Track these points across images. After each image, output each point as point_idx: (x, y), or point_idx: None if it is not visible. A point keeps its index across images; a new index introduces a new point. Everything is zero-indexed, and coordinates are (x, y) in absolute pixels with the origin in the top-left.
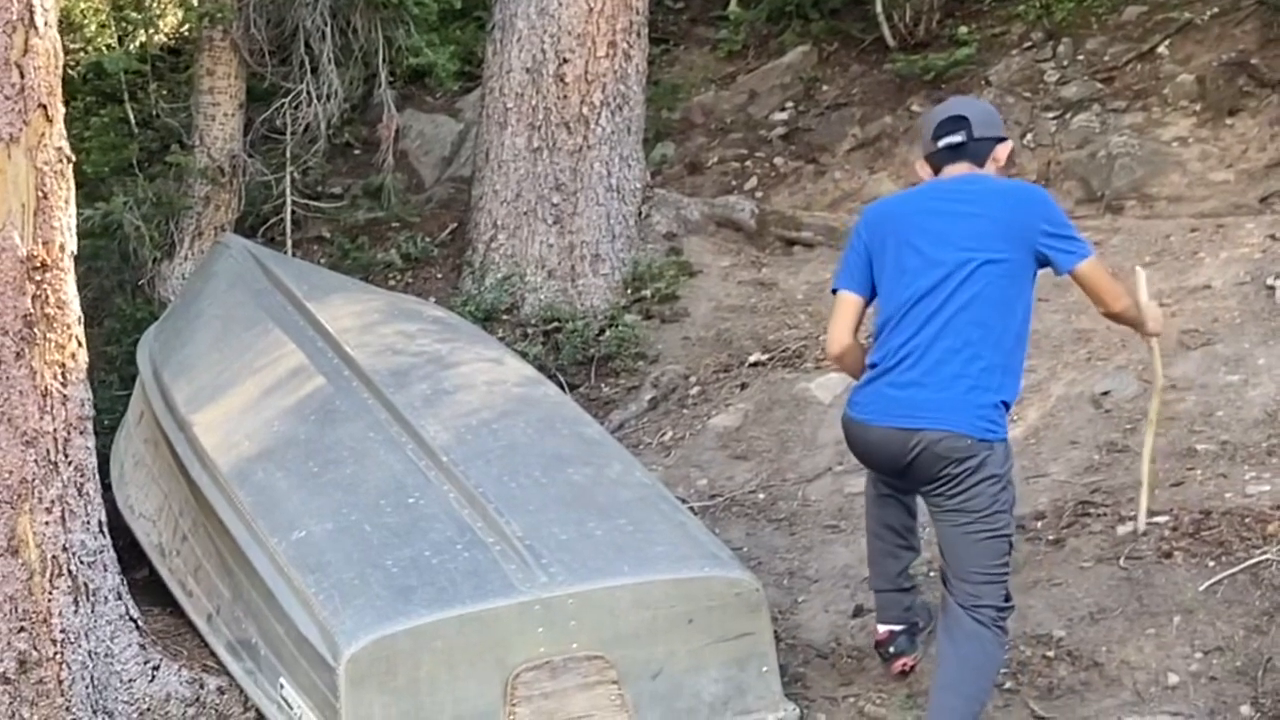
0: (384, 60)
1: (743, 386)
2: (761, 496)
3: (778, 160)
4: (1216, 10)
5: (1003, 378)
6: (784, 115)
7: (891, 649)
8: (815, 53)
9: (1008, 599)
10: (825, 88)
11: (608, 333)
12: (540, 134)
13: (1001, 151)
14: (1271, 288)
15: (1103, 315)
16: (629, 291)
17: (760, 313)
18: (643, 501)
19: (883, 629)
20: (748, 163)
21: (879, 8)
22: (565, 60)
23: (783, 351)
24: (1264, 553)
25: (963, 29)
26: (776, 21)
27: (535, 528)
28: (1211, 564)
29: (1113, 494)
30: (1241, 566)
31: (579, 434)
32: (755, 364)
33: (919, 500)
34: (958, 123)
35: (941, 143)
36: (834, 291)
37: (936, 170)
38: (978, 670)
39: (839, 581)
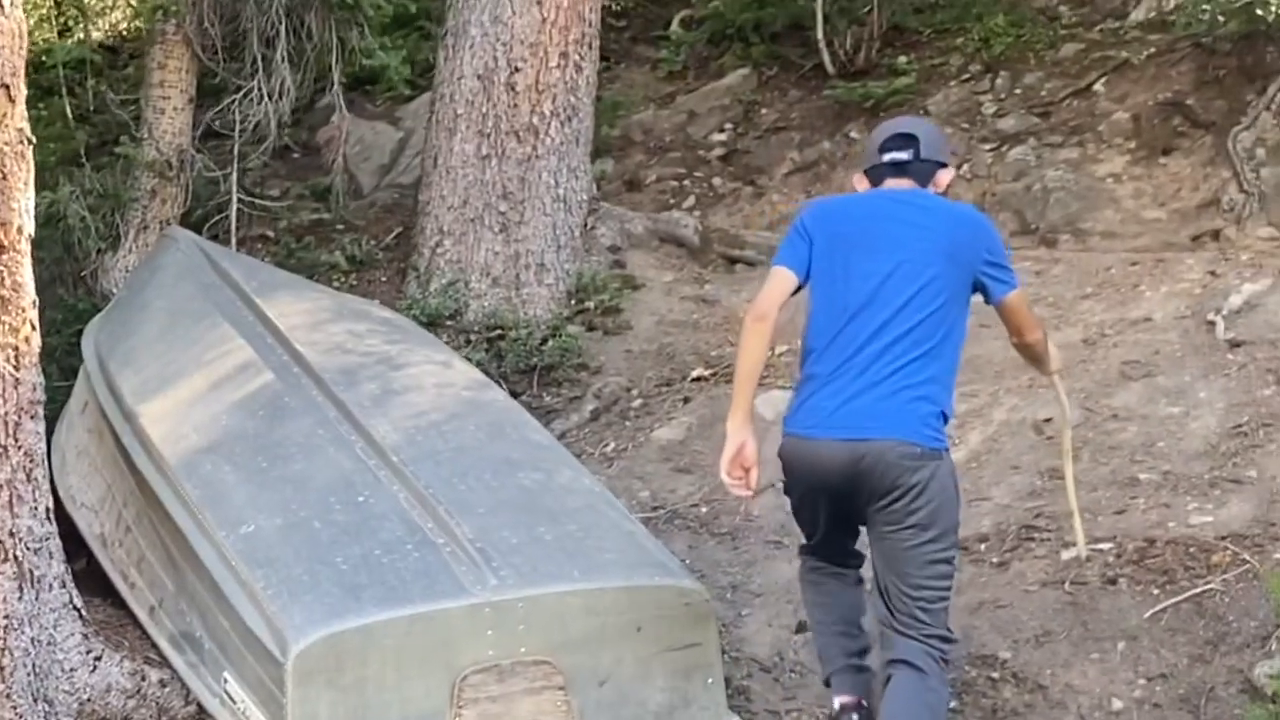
0: (337, 60)
1: (685, 400)
2: (704, 510)
3: (716, 181)
4: (1153, 50)
5: (943, 391)
6: (723, 136)
7: (855, 716)
8: (755, 76)
9: (951, 632)
10: (764, 111)
11: (550, 342)
12: (490, 141)
13: (943, 177)
14: (1212, 323)
15: (1014, 345)
16: (572, 302)
17: (702, 329)
18: (592, 508)
19: (846, 698)
20: (686, 182)
21: (819, 34)
22: (517, 69)
23: (725, 367)
24: (1208, 583)
25: (902, 59)
26: (717, 44)
27: (485, 530)
28: (1156, 592)
29: (1055, 519)
30: (1186, 595)
31: (528, 439)
32: (698, 379)
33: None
34: (906, 140)
35: (887, 157)
36: (773, 266)
37: (875, 184)
38: (939, 709)
39: (782, 597)
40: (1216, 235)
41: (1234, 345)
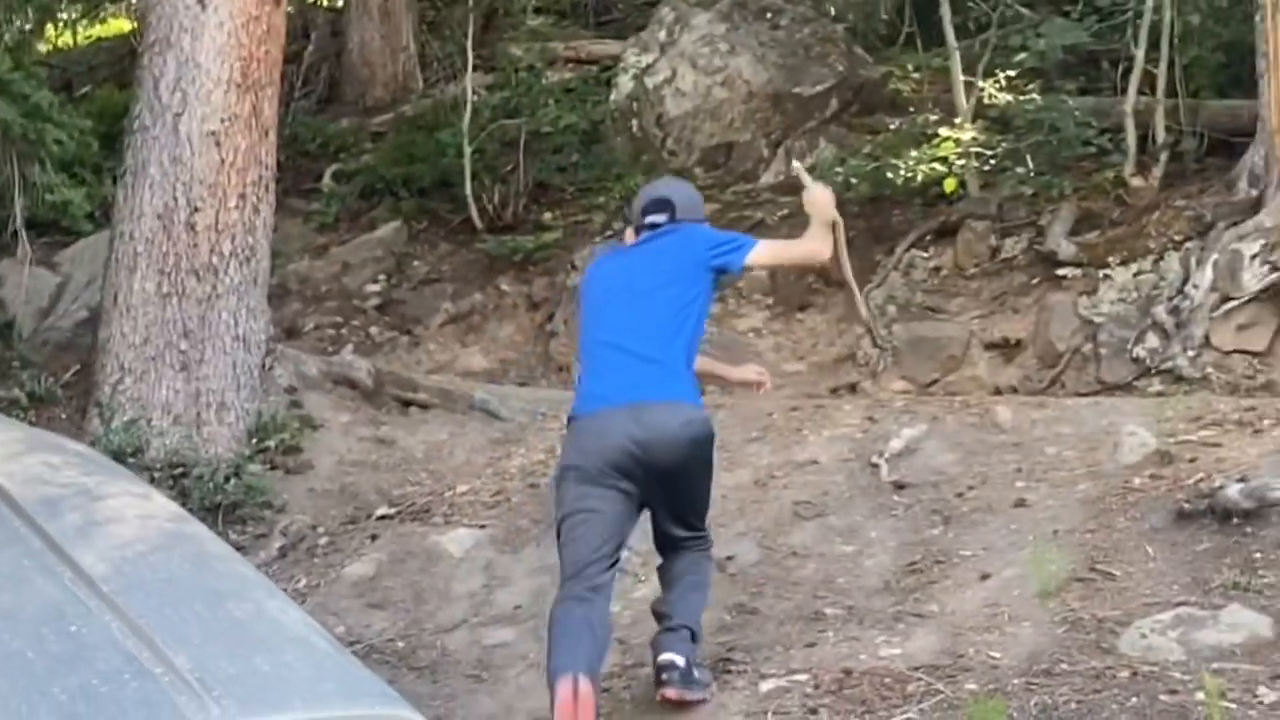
0: (19, 194)
1: (373, 538)
2: (401, 645)
3: (373, 329)
4: (785, 211)
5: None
6: (377, 287)
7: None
8: (406, 229)
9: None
10: (417, 263)
11: (233, 481)
12: (170, 280)
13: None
14: (876, 465)
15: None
16: (253, 441)
17: (382, 468)
18: (304, 638)
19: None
20: (343, 330)
21: (468, 190)
22: (197, 209)
23: (409, 506)
24: (905, 712)
25: (547, 214)
26: (368, 197)
27: (202, 660)
28: None
29: (750, 652)
30: None
31: (234, 570)
32: (383, 517)
33: None
34: (663, 205)
35: (648, 219)
36: None
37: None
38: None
39: None
40: (854, 388)
41: (899, 487)
